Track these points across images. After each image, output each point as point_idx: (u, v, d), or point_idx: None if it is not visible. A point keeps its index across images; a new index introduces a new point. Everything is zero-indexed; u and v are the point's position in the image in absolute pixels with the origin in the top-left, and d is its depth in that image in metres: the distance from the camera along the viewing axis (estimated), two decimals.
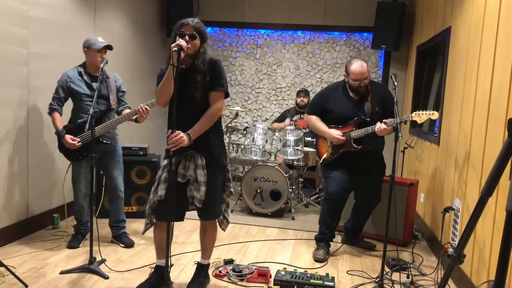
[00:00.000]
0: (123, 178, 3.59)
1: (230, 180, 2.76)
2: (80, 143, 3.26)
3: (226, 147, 5.34)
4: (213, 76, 2.54)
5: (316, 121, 3.57)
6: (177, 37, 2.42)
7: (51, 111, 3.34)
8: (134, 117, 3.26)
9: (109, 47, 3.36)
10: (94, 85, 3.34)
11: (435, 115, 3.23)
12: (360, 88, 3.40)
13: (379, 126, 3.26)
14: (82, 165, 3.41)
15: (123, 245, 3.50)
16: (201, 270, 2.84)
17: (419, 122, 3.26)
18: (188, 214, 2.71)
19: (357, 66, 3.36)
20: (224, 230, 2.82)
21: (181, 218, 2.69)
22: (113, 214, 3.59)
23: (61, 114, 3.36)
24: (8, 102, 3.36)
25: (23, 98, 3.51)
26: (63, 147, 3.32)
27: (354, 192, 3.65)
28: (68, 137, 3.24)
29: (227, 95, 2.61)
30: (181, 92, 2.47)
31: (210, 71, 2.53)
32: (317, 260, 3.44)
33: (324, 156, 3.53)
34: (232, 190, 2.79)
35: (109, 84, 3.40)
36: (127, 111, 3.42)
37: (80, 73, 3.36)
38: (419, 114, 3.23)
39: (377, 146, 3.54)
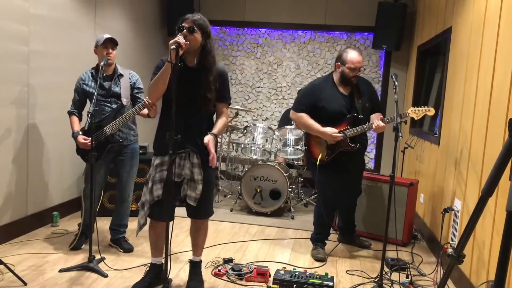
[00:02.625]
0: (133, 182, 3.49)
1: (219, 178, 2.85)
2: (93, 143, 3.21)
3: (226, 146, 5.36)
4: (223, 86, 2.60)
5: (308, 120, 3.37)
6: (177, 31, 2.41)
7: (69, 115, 3.37)
8: (145, 112, 3.06)
9: (112, 40, 3.29)
10: (107, 84, 3.32)
11: (431, 111, 3.26)
12: (353, 79, 3.31)
13: (377, 123, 3.23)
14: (95, 166, 3.36)
15: (122, 250, 3.39)
16: (197, 267, 2.85)
17: (416, 118, 3.29)
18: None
19: (355, 54, 3.30)
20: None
21: (172, 217, 2.67)
22: (117, 217, 3.49)
23: (78, 117, 3.36)
24: (8, 100, 3.35)
25: (23, 95, 3.51)
26: (79, 149, 3.31)
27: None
28: (80, 138, 3.22)
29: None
30: (191, 93, 2.49)
31: (220, 78, 2.58)
32: (318, 259, 3.43)
33: (320, 157, 3.38)
34: (220, 187, 2.86)
35: (122, 82, 3.36)
36: None
37: (92, 74, 3.35)
38: (415, 110, 3.27)
39: (365, 144, 3.55)
